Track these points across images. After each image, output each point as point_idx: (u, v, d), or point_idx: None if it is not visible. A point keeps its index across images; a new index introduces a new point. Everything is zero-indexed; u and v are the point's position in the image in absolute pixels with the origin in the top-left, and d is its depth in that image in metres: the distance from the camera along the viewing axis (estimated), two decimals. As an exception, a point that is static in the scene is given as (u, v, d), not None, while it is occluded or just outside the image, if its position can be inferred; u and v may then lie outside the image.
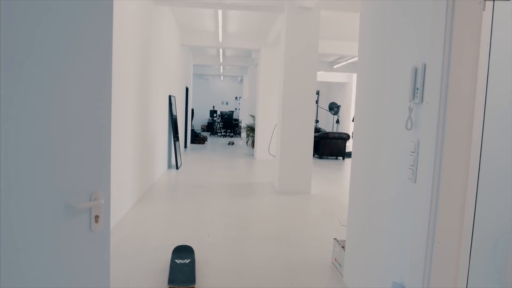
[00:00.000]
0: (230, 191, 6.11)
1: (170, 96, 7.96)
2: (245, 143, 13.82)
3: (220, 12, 7.23)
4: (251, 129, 12.41)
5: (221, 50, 11.84)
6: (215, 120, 18.97)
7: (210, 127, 19.32)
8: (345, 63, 12.83)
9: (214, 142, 14.71)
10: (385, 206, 2.06)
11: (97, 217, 1.42)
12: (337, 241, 3.16)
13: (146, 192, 5.77)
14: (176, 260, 3.09)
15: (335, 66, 13.85)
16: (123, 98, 4.34)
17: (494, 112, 1.74)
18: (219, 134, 18.31)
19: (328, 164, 9.74)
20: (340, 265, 3.02)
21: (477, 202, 1.58)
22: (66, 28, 1.18)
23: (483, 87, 1.58)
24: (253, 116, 12.70)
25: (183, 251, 3.28)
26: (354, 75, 16.76)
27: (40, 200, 1.15)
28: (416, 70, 1.76)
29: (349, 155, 11.04)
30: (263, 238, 3.90)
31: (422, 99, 1.71)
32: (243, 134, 14.03)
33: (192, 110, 15.81)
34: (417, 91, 1.75)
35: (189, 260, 3.10)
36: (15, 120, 1.05)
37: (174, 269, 2.94)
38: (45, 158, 1.15)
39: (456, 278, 1.55)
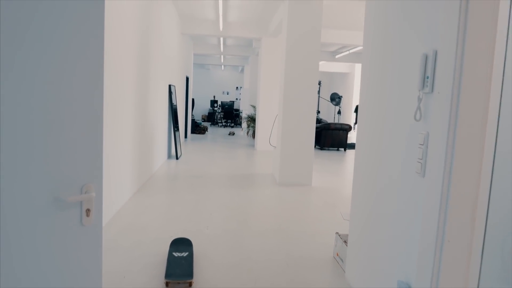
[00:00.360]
0: (230, 182, 6.03)
1: (170, 86, 7.84)
2: (245, 134, 13.72)
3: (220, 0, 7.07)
4: (251, 120, 12.30)
5: (221, 39, 11.67)
6: (215, 110, 18.84)
7: (210, 117, 19.20)
8: (347, 53, 12.66)
9: (215, 132, 14.61)
10: (391, 201, 1.96)
11: (88, 210, 1.36)
12: (339, 235, 3.08)
13: (145, 182, 5.69)
14: (173, 253, 3.01)
15: (337, 56, 13.67)
16: (121, 88, 4.23)
17: (511, 102, 1.64)
18: (220, 124, 18.20)
19: (329, 155, 9.65)
20: (342, 260, 2.94)
21: (490, 198, 1.49)
22: (58, 18, 1.13)
23: (500, 75, 1.47)
24: (254, 106, 12.58)
25: (181, 244, 3.20)
26: (357, 65, 16.58)
27: (28, 193, 1.10)
28: (426, 58, 1.65)
29: (350, 146, 10.95)
30: (263, 231, 3.83)
31: (432, 88, 1.61)
32: (244, 124, 13.92)
33: (193, 100, 15.68)
34: (427, 80, 1.64)
35: (187, 253, 3.03)
36: (3, 110, 0.98)
37: (171, 262, 2.87)
38: (34, 149, 1.10)
39: (467, 279, 1.46)
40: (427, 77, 1.65)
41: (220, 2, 7.24)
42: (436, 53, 1.59)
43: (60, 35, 1.14)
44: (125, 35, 4.38)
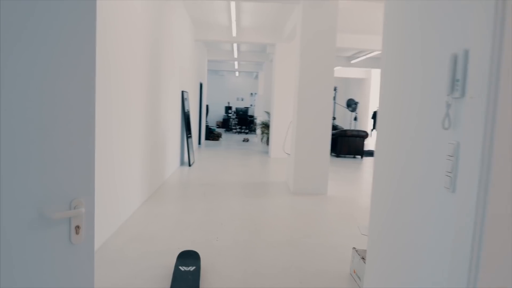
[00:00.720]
0: (242, 190, 5.87)
1: (182, 92, 7.77)
2: (260, 140, 13.57)
3: (233, 4, 6.98)
4: (266, 126, 12.15)
5: (235, 45, 11.60)
6: (230, 116, 18.77)
7: (225, 124, 19.14)
8: (364, 57, 12.42)
9: (229, 139, 14.52)
10: (415, 217, 1.77)
11: (77, 227, 1.24)
12: (356, 250, 2.88)
13: (156, 190, 5.58)
14: (180, 267, 2.87)
15: (353, 61, 13.44)
16: (130, 94, 4.14)
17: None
18: (234, 130, 18.11)
19: (345, 163, 9.40)
20: (359, 278, 2.74)
21: (534, 219, 1.29)
22: (42, 18, 1.02)
23: (545, 77, 1.28)
24: (268, 113, 12.44)
25: (189, 257, 3.05)
26: (373, 71, 16.31)
27: (10, 209, 1.00)
28: (455, 58, 1.46)
29: (367, 153, 10.67)
30: (275, 244, 3.65)
31: (463, 93, 1.42)
32: (258, 131, 13.79)
33: (207, 106, 15.64)
34: (457, 83, 1.46)
35: (194, 267, 2.88)
36: None
37: (177, 277, 2.72)
38: (16, 160, 1.00)
39: (508, 313, 1.26)
40: (457, 80, 1.46)
41: (233, 7, 7.15)
42: (467, 53, 1.40)
43: (47, 37, 1.04)
44: (135, 40, 4.29)
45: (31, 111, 1.02)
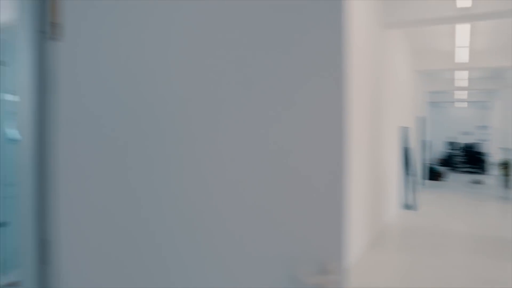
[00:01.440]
0: (482, 246, 4.79)
1: (403, 127, 7.23)
2: (497, 183, 11.25)
3: (462, 28, 6.14)
4: (506, 166, 9.98)
5: (459, 73, 10.21)
6: (454, 153, 16.53)
7: (448, 162, 16.94)
8: None
9: (455, 180, 12.68)
10: None
11: None
12: None
13: (377, 236, 5.18)
14: None
15: None
16: (354, 129, 4.02)
17: None
18: (461, 170, 15.77)
19: None
20: None
21: None
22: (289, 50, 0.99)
23: None
24: (507, 149, 10.24)
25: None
26: None
27: (258, 270, 1.00)
28: None
29: None
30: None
31: None
32: (496, 171, 11.50)
33: (428, 142, 14.25)
34: None
35: None
36: (225, 168, 0.94)
37: None
38: (270, 216, 0.99)
39: None
40: None
41: (463, 30, 6.29)
42: None
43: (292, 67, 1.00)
44: (359, 75, 4.21)
45: (282, 162, 0.99)
